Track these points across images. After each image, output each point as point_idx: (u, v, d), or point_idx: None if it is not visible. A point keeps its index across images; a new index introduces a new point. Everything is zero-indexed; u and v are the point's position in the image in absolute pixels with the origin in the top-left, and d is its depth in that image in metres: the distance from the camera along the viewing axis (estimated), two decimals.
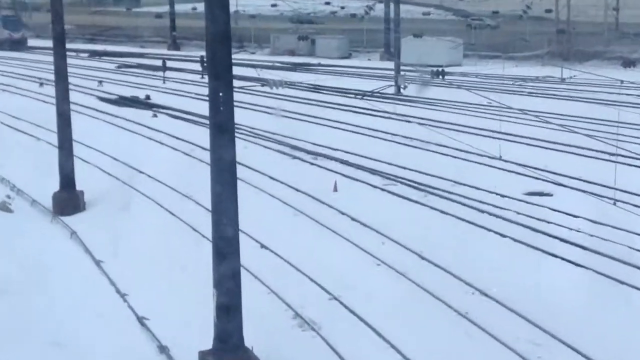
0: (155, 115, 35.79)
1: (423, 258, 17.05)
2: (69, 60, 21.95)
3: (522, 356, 12.72)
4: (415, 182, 23.06)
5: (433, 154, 26.74)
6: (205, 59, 12.03)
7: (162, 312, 14.43)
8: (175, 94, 42.15)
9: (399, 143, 28.77)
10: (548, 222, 19.13)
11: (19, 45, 70.66)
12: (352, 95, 40.06)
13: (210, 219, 11.80)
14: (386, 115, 33.52)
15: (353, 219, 19.80)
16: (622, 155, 22.79)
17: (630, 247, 17.12)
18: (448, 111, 35.14)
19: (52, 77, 22.57)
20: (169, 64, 50.65)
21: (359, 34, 68.28)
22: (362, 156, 26.26)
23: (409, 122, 31.41)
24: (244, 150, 25.18)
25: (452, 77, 43.72)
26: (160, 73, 48.51)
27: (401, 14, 48.11)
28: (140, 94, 41.73)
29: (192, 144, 28.01)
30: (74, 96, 23.86)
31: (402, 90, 40.80)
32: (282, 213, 20.60)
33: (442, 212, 20.33)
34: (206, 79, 11.72)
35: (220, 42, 11.27)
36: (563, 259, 16.88)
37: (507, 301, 14.62)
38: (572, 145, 26.49)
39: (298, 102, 38.09)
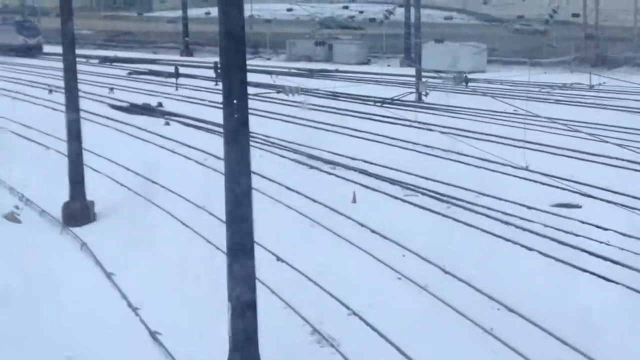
0: (167, 123, 35.45)
1: (446, 272, 16.66)
2: (79, 67, 21.66)
3: None
4: (437, 193, 22.59)
5: (456, 164, 26.23)
6: (218, 65, 11.62)
7: (175, 326, 14.14)
8: (188, 102, 41.87)
9: (421, 152, 28.30)
10: (576, 235, 18.66)
11: (34, 51, 70.34)
12: (372, 103, 39.59)
13: (224, 230, 11.45)
14: (407, 123, 33.03)
15: (373, 231, 19.40)
16: None
17: None
18: (471, 119, 34.60)
19: (61, 83, 22.23)
20: (182, 70, 50.40)
21: (378, 39, 67.86)
22: (382, 166, 25.80)
23: (430, 130, 30.87)
24: (259, 159, 24.77)
25: (475, 84, 43.17)
26: (173, 80, 48.21)
27: (422, 18, 47.43)
28: (152, 102, 41.41)
29: (206, 152, 27.65)
30: (84, 104, 23.58)
31: (423, 97, 40.23)
32: (299, 224, 20.20)
33: (465, 224, 19.87)
34: (220, 86, 11.31)
35: (234, 49, 10.92)
36: (592, 273, 16.44)
37: (534, 317, 14.23)
38: (601, 155, 25.93)
39: (315, 109, 37.63)
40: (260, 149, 28.04)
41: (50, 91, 43.06)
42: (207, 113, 35.70)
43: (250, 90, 12.03)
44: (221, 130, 11.57)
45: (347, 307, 14.88)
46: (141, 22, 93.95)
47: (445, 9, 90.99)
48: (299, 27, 76.95)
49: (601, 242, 18.07)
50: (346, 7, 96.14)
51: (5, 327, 14.24)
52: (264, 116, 34.22)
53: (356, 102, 40.56)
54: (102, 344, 13.70)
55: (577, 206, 21.27)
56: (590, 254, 17.40)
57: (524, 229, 19.23)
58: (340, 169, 26.05)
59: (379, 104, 38.54)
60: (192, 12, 78.31)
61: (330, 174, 25.59)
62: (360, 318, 14.42)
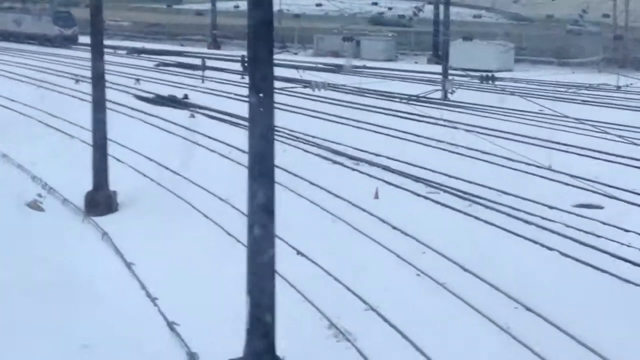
0: (192, 116, 35.49)
1: (465, 270, 16.56)
2: (107, 58, 21.70)
3: None
4: (459, 191, 22.53)
5: (479, 162, 26.16)
6: (246, 59, 11.64)
7: (193, 317, 14.11)
8: (214, 94, 41.93)
9: (445, 150, 28.23)
10: (597, 236, 18.53)
11: (70, 42, 70.38)
12: (397, 100, 39.50)
13: (245, 223, 11.42)
14: (432, 120, 32.92)
15: (393, 227, 19.34)
16: None
17: None
18: (497, 118, 34.43)
19: (88, 73, 22.29)
20: (209, 63, 50.46)
21: (406, 36, 67.67)
22: (405, 162, 25.76)
23: (455, 128, 30.76)
24: (282, 153, 24.73)
25: (502, 83, 42.97)
26: (200, 72, 48.25)
27: (451, 16, 47.33)
28: (178, 94, 41.48)
29: (230, 145, 27.64)
30: (110, 94, 23.63)
31: (449, 95, 40.08)
32: (320, 219, 20.17)
33: (486, 222, 19.80)
34: (246, 79, 11.31)
35: (262, 41, 10.87)
36: (612, 274, 16.30)
37: (551, 317, 14.12)
38: (626, 157, 25.75)
39: (341, 105, 37.59)
40: (285, 143, 28.04)
41: (77, 81, 43.25)
42: (233, 106, 35.74)
43: (277, 84, 12.03)
44: (246, 123, 11.53)
45: (365, 302, 14.83)
46: (170, 14, 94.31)
47: (475, 7, 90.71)
48: (328, 23, 76.95)
49: (622, 244, 17.94)
50: (375, 4, 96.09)
51: (25, 315, 14.26)
52: (289, 110, 34.21)
53: (382, 99, 40.49)
54: (120, 334, 13.68)
55: (599, 207, 21.14)
56: (611, 255, 17.28)
57: (545, 229, 19.13)
58: (364, 165, 26.02)
59: (404, 101, 38.48)
60: (221, 5, 78.48)
61: (353, 169, 25.56)
62: (378, 313, 14.37)
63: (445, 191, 22.70)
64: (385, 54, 63.13)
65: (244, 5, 12.49)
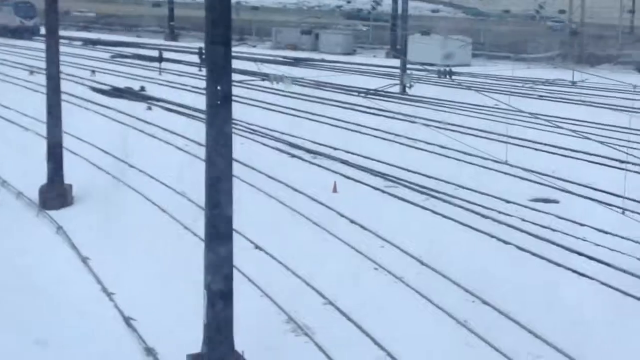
0: (149, 108, 35.25)
1: (423, 263, 16.63)
2: (62, 49, 21.41)
3: None
4: (417, 185, 22.58)
5: (437, 156, 26.25)
6: (203, 51, 11.53)
7: (150, 312, 14.03)
8: (172, 87, 41.66)
9: (403, 144, 28.28)
10: (553, 230, 18.64)
11: (31, 33, 69.28)
12: (356, 93, 39.50)
13: (203, 217, 11.37)
14: (390, 114, 32.95)
15: (352, 221, 19.35)
16: (633, 163, 22.18)
17: (638, 259, 16.61)
18: (454, 112, 34.55)
19: (43, 65, 22.00)
20: (166, 55, 50.08)
21: (384, 30, 67.68)
22: (363, 156, 25.79)
23: (413, 122, 30.83)
24: (240, 146, 24.59)
25: (460, 78, 43.12)
26: (156, 64, 47.91)
27: (409, 10, 47.44)
28: (135, 85, 41.13)
29: (187, 138, 27.54)
30: (65, 86, 23.33)
31: (407, 89, 40.17)
32: (278, 213, 20.13)
33: (444, 216, 19.88)
34: (204, 71, 11.21)
35: (220, 26, 10.81)
36: (567, 268, 16.44)
37: (508, 310, 14.23)
38: (582, 152, 25.97)
39: (299, 98, 37.51)
40: (243, 136, 27.92)
41: (32, 72, 42.73)
42: (190, 98, 35.55)
43: (235, 77, 11.93)
44: (203, 116, 11.45)
45: (323, 297, 14.83)
46: (126, 6, 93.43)
47: (433, 1, 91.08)
48: (286, 15, 76.82)
49: (577, 238, 18.07)
50: None
51: None
52: (247, 103, 34.09)
53: (340, 92, 40.47)
54: (75, 329, 13.55)
55: (555, 201, 21.30)
56: (566, 249, 17.43)
57: (502, 223, 19.24)
58: (322, 158, 26.00)
59: (362, 95, 38.49)
60: None
61: (312, 163, 25.53)
62: (336, 307, 14.38)
63: (403, 185, 22.73)
64: (343, 48, 63.13)
65: None
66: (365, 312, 14.16)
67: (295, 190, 21.87)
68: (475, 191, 21.71)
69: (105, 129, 30.11)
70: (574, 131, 24.90)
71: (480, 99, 31.27)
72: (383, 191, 22.27)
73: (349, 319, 13.93)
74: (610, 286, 15.43)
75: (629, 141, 25.56)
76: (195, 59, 47.38)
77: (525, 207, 20.59)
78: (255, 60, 44.41)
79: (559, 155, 26.37)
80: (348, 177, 23.52)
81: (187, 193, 20.59)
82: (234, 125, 12.13)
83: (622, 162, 23.19)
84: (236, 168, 12.52)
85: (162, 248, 17.17)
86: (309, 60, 55.47)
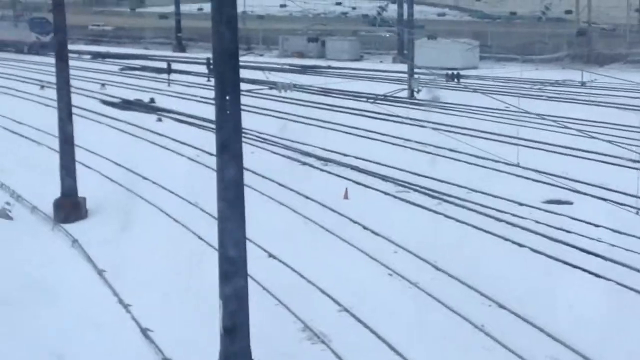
0: (159, 119, 35.34)
1: (437, 268, 16.62)
2: (71, 63, 21.50)
3: None
4: (429, 190, 22.58)
5: (448, 160, 26.21)
6: (211, 62, 11.53)
7: (167, 323, 14.05)
8: (181, 97, 41.72)
9: (413, 149, 28.26)
10: (568, 232, 18.64)
11: (47, 49, 69.06)
12: (364, 99, 39.53)
13: (216, 226, 11.33)
14: (399, 119, 32.97)
15: (364, 228, 19.36)
16: None
17: None
18: (463, 116, 34.55)
19: (53, 79, 22.09)
20: (174, 66, 50.20)
21: (371, 35, 67.69)
22: (374, 162, 25.80)
23: (422, 127, 30.84)
24: (251, 155, 24.60)
25: (467, 81, 43.11)
26: (165, 75, 48.04)
27: (415, 14, 47.40)
28: (145, 97, 41.24)
29: (198, 149, 27.57)
30: (75, 99, 23.38)
31: (415, 93, 40.18)
32: (290, 221, 20.15)
33: (457, 220, 19.87)
34: (212, 82, 11.20)
35: (227, 47, 10.79)
36: (583, 269, 16.42)
37: (525, 314, 14.22)
38: (593, 152, 25.92)
39: (308, 105, 37.55)
40: (253, 145, 27.97)
41: (42, 87, 42.86)
42: (199, 109, 35.61)
43: (243, 86, 11.95)
44: (213, 126, 11.47)
45: (338, 304, 14.82)
46: (133, 18, 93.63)
47: (438, 5, 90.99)
48: (292, 23, 76.86)
49: (592, 239, 18.04)
50: (339, 4, 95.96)
51: None
52: (256, 112, 34.12)
53: (348, 99, 40.50)
54: (93, 341, 13.58)
55: (569, 203, 21.27)
56: (581, 250, 17.40)
57: (515, 226, 19.23)
58: (333, 165, 26.01)
59: (371, 101, 38.53)
60: (185, 8, 78.01)
61: (322, 170, 25.55)
62: (351, 314, 14.37)
63: (414, 190, 22.73)
64: (350, 54, 63.18)
65: (207, 8, 12.33)
66: (381, 318, 14.15)
67: (307, 197, 21.89)
68: (488, 194, 21.70)
69: (117, 141, 30.22)
70: (583, 132, 24.87)
71: (489, 101, 31.26)
72: (394, 196, 22.27)
73: (365, 326, 13.92)
74: (627, 287, 15.39)
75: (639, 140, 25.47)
76: (203, 69, 47.46)
77: (539, 209, 20.58)
78: (262, 69, 44.51)
79: (570, 156, 26.31)
80: (359, 183, 23.53)
81: (199, 203, 20.61)
82: (244, 135, 12.16)
83: (635, 161, 23.16)
84: (247, 177, 12.51)
85: (177, 259, 17.19)
86: (316, 68, 55.50)
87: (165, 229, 19.60)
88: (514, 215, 20.00)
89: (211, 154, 21.86)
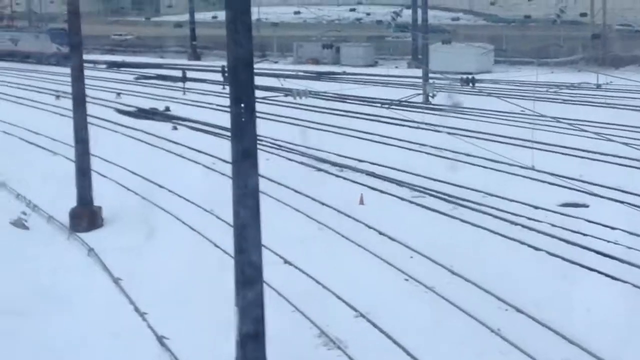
0: (175, 128, 35.43)
1: (453, 273, 16.56)
2: (86, 72, 21.58)
3: None
4: (444, 194, 22.52)
5: (463, 165, 26.16)
6: (226, 69, 11.54)
7: (183, 331, 14.05)
8: (196, 106, 41.82)
9: (428, 153, 28.23)
10: (584, 235, 18.55)
11: (68, 60, 69.16)
12: (379, 105, 39.51)
13: (232, 234, 11.31)
14: (414, 124, 32.93)
15: (380, 233, 19.33)
16: None
17: None
18: (479, 120, 34.48)
19: (68, 89, 22.18)
20: (189, 74, 50.31)
21: (385, 41, 67.68)
22: (389, 167, 25.75)
23: (438, 131, 30.78)
24: (266, 162, 24.69)
25: (482, 85, 43.02)
26: (180, 84, 48.16)
27: (429, 19, 47.30)
28: (160, 106, 41.35)
29: (214, 156, 27.61)
30: (91, 109, 23.49)
31: (430, 98, 40.11)
32: (306, 227, 20.13)
33: (472, 224, 19.81)
34: (227, 89, 11.21)
35: (242, 55, 10.82)
36: (599, 272, 16.34)
37: (542, 317, 14.15)
38: (609, 154, 25.83)
39: (323, 112, 37.56)
40: (268, 152, 27.99)
41: (58, 97, 43.04)
42: (214, 117, 35.68)
43: (258, 93, 11.98)
44: (229, 134, 11.48)
45: (354, 309, 14.81)
46: (149, 27, 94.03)
47: (452, 9, 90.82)
48: (307, 30, 76.95)
49: (609, 242, 17.96)
50: (353, 10, 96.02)
51: (13, 334, 14.16)
52: (271, 119, 34.16)
53: (363, 104, 40.49)
54: (109, 349, 13.61)
55: (585, 206, 21.17)
56: (598, 253, 17.32)
57: (531, 229, 19.16)
58: (348, 171, 26.00)
59: (386, 106, 38.51)
60: (199, 16, 78.30)
61: (337, 176, 25.54)
62: (368, 320, 14.35)
63: (430, 195, 22.69)
64: (365, 60, 63.23)
65: (222, 16, 12.34)
66: (398, 323, 14.11)
67: (322, 203, 21.87)
68: (503, 198, 21.64)
69: (133, 150, 30.34)
70: (598, 134, 24.77)
71: (504, 105, 31.19)
72: (410, 201, 22.25)
73: (381, 331, 13.89)
74: None
75: None
76: (218, 77, 47.55)
77: (555, 212, 20.51)
78: (277, 76, 44.57)
79: (586, 158, 26.23)
80: (375, 189, 23.51)
81: (216, 211, 20.62)
82: (259, 141, 12.17)
83: None
84: (263, 183, 12.57)
85: (192, 266, 17.19)
86: (331, 74, 55.54)
87: (181, 237, 19.61)
88: (529, 218, 19.94)
89: (227, 162, 21.88)
